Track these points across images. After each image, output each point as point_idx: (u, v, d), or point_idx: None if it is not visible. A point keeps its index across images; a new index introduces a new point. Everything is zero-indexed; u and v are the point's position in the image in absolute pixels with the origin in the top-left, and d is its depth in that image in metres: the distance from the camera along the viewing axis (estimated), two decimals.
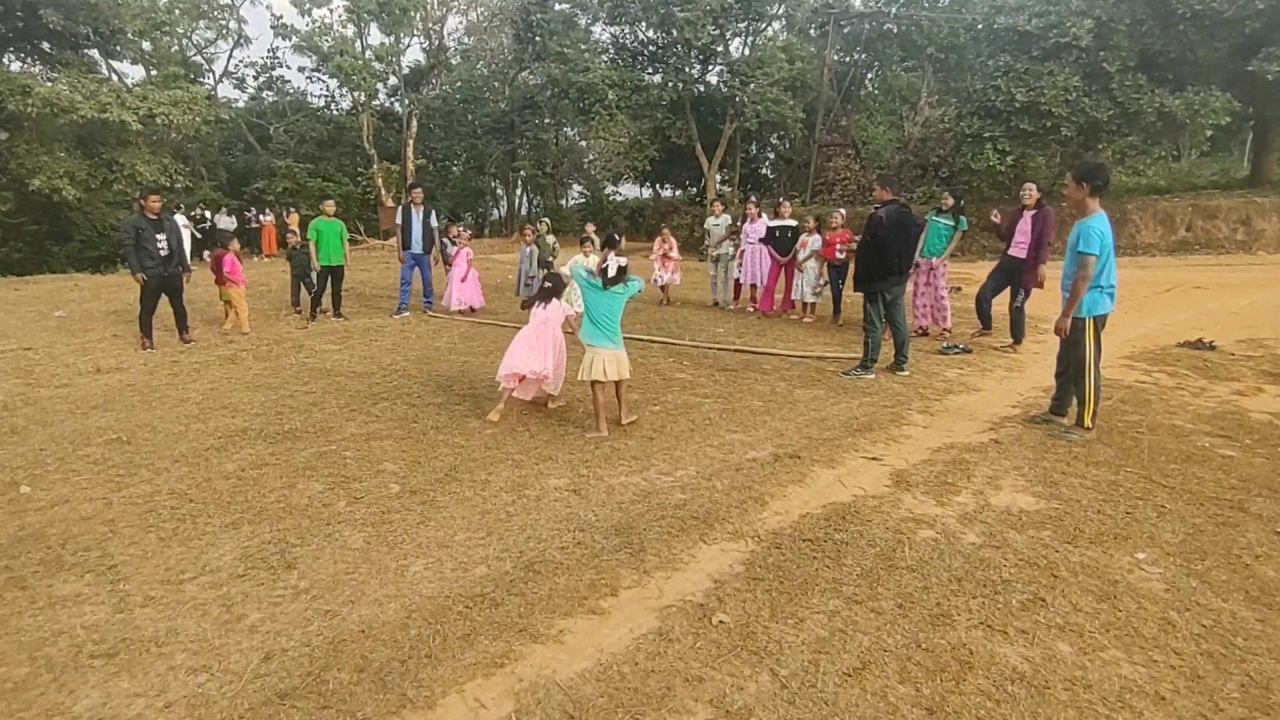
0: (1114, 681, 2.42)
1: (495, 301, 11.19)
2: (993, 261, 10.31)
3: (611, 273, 4.94)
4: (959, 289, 10.77)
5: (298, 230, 12.49)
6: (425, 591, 3.02)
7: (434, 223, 10.21)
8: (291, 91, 31.16)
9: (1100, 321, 4.77)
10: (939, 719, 2.25)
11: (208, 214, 20.71)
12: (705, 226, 11.35)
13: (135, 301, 8.28)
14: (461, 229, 11.32)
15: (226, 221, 21.46)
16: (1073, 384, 4.91)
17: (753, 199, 11.19)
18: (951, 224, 8.22)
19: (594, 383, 4.94)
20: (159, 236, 7.77)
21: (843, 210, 9.79)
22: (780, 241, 9.58)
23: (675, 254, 11.03)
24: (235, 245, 9.31)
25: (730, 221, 11.12)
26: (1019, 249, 7.55)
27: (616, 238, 5.93)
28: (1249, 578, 3.06)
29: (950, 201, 8.38)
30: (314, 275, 9.58)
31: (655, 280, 10.85)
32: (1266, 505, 3.75)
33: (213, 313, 10.20)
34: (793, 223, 9.70)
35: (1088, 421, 4.78)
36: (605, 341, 4.93)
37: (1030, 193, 7.62)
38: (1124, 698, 2.34)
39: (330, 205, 9.91)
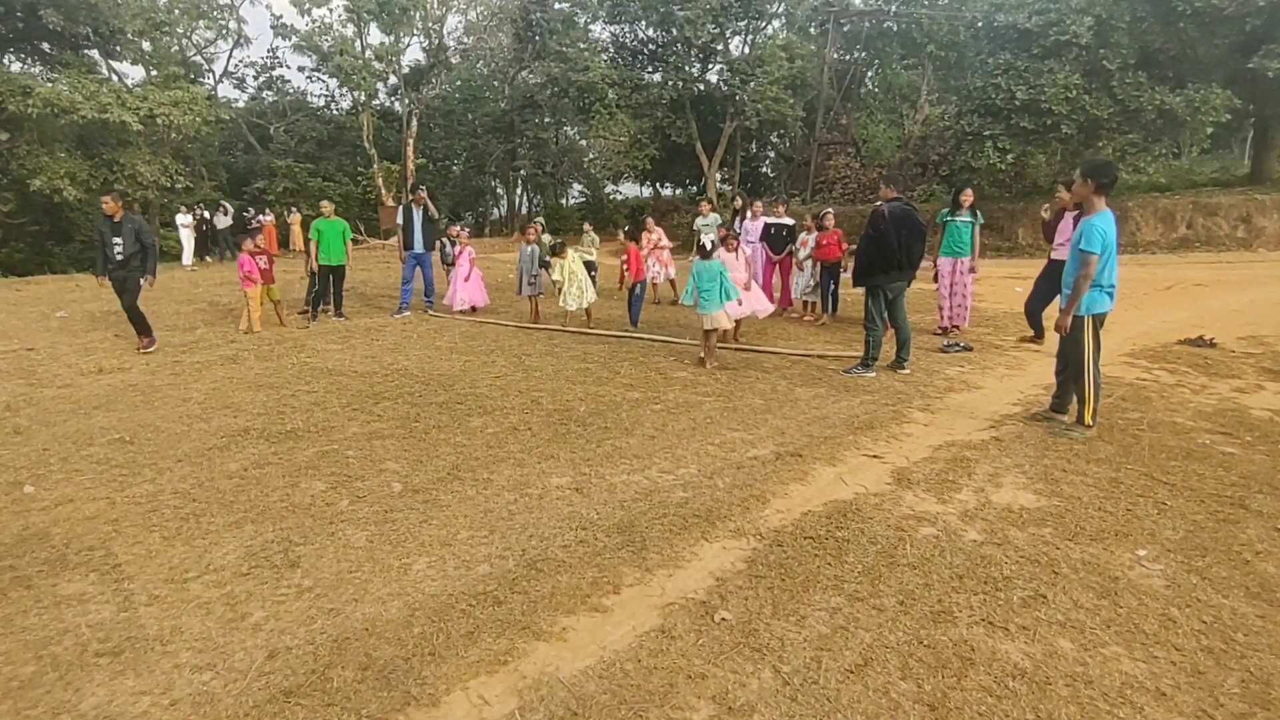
0: (1115, 677, 2.43)
1: (496, 300, 11.21)
2: (995, 259, 10.31)
3: (708, 246, 6.86)
4: None
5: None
6: (428, 590, 3.03)
7: (433, 213, 10.26)
8: (291, 91, 31.10)
9: (1099, 319, 4.78)
10: (940, 715, 2.26)
11: (205, 214, 20.69)
12: (695, 227, 11.32)
13: None
14: (461, 228, 11.33)
15: (224, 221, 21.43)
16: (1072, 382, 4.92)
17: (739, 198, 11.17)
18: (971, 220, 8.16)
19: (705, 331, 6.85)
20: (115, 240, 7.62)
21: (830, 209, 9.63)
22: (775, 240, 9.59)
23: (666, 242, 10.86)
24: (249, 245, 9.05)
25: (719, 220, 11.10)
26: (1061, 251, 7.14)
27: (736, 230, 9.46)
28: (1249, 574, 3.07)
29: (970, 197, 8.22)
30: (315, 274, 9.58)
31: (653, 278, 10.81)
32: (1267, 502, 3.76)
33: (213, 313, 10.22)
34: (789, 221, 9.70)
35: (1088, 419, 4.78)
36: (704, 304, 6.70)
37: (1061, 196, 7.43)
38: (1124, 694, 2.35)
39: (327, 205, 9.91)
